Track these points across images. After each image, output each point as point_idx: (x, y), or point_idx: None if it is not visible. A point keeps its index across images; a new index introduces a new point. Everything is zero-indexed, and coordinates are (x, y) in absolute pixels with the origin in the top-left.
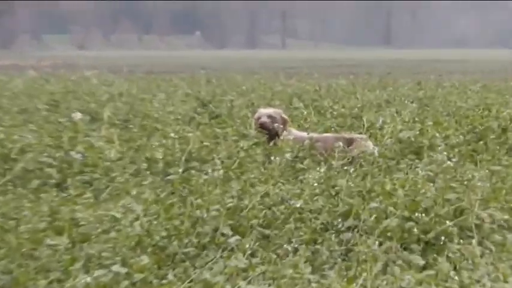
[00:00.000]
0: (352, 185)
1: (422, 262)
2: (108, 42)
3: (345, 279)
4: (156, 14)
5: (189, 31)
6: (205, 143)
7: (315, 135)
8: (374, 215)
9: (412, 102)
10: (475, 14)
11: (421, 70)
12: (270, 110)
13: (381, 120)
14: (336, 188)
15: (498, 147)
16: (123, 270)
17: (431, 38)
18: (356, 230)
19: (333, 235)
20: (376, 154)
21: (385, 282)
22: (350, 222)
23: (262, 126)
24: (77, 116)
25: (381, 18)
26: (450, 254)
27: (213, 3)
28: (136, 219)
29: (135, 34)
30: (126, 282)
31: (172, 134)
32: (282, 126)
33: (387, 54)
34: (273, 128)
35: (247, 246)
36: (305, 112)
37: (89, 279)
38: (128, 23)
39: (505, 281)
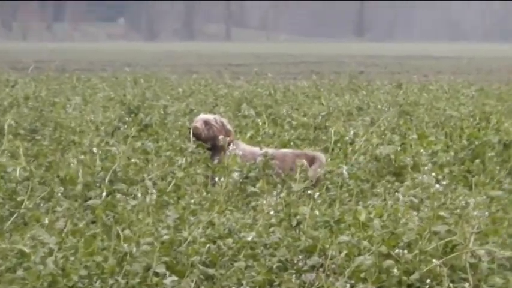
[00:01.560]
0: (317, 213)
1: None
2: (9, 32)
3: None
4: None
5: (111, 18)
6: (133, 160)
7: (270, 150)
8: (344, 251)
9: (390, 110)
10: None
11: (401, 69)
12: (208, 116)
13: (352, 133)
14: (297, 218)
15: (498, 168)
16: None
17: (414, 29)
18: (322, 269)
19: (294, 276)
20: (346, 175)
21: None
22: (314, 259)
23: (194, 134)
24: None
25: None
26: None
27: None
28: (50, 254)
29: (43, 22)
30: None
31: (92, 149)
32: (224, 137)
33: (359, 49)
34: (209, 137)
35: None
36: (257, 121)
37: None
38: (33, 8)
39: None
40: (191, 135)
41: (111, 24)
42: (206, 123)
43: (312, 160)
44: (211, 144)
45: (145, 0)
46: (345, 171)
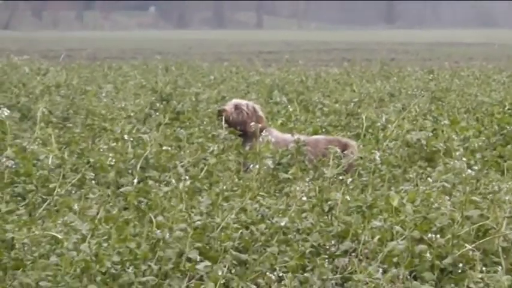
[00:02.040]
0: (349, 199)
1: None
2: (39, 21)
3: None
4: None
5: (141, 7)
6: (165, 147)
7: (302, 137)
8: (377, 236)
9: (422, 96)
10: None
11: (432, 56)
12: (240, 101)
13: (383, 119)
14: (330, 203)
15: None
16: None
17: (445, 16)
18: (354, 254)
19: (326, 260)
20: (378, 160)
21: None
22: (347, 244)
23: (221, 116)
24: (4, 113)
25: None
26: (472, 285)
27: None
28: (82, 240)
29: (73, 11)
30: None
31: (124, 136)
32: (256, 124)
33: (390, 36)
34: (239, 122)
35: (219, 274)
36: (289, 108)
37: None
38: None
39: None
40: (218, 117)
41: (142, 13)
42: (236, 107)
43: (344, 146)
44: (242, 130)
45: None
46: (377, 157)
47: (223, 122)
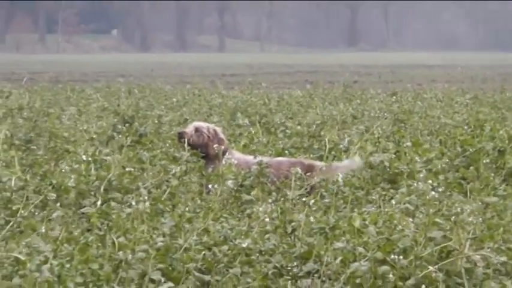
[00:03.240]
0: (312, 220)
1: None
2: (1, 44)
3: None
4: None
5: (104, 30)
6: (128, 169)
7: (264, 159)
8: (339, 257)
9: (385, 118)
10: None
11: (395, 78)
12: (201, 123)
13: (346, 141)
14: (292, 224)
15: (493, 174)
16: None
17: (407, 38)
18: (317, 275)
19: (289, 282)
20: (341, 182)
21: None
22: (310, 266)
23: (180, 138)
24: None
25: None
26: None
27: None
28: (45, 262)
29: (35, 34)
30: None
31: (85, 157)
32: (218, 146)
33: (353, 58)
34: (199, 144)
35: None
36: (251, 130)
37: None
38: (26, 20)
39: None
40: (179, 140)
41: (105, 36)
42: (197, 130)
43: (308, 168)
44: (204, 152)
45: (138, 11)
46: (340, 179)
47: (185, 144)
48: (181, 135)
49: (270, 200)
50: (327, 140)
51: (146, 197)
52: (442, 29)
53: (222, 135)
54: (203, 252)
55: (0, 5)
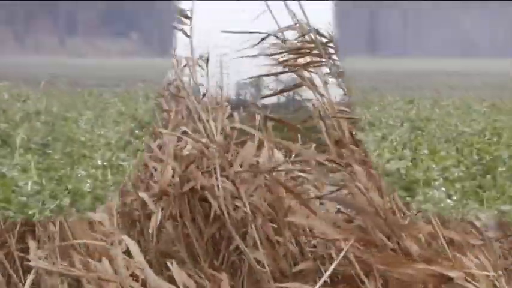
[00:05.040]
0: None
1: None
2: (21, 46)
3: None
4: (81, 10)
5: (124, 33)
6: None
7: None
8: None
9: (402, 125)
10: (485, 15)
11: (413, 84)
12: None
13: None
14: None
15: (509, 183)
16: None
17: (427, 45)
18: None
19: None
20: None
21: None
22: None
23: None
24: None
25: (363, 20)
26: None
27: None
28: None
29: (55, 36)
30: None
31: (102, 162)
32: None
33: (371, 65)
34: None
35: None
36: None
37: None
38: (46, 22)
39: None
40: None
41: (125, 39)
42: None
43: None
44: None
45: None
46: None
47: None
48: None
49: None
50: None
51: None
52: (462, 35)
53: None
54: None
55: (20, 6)
